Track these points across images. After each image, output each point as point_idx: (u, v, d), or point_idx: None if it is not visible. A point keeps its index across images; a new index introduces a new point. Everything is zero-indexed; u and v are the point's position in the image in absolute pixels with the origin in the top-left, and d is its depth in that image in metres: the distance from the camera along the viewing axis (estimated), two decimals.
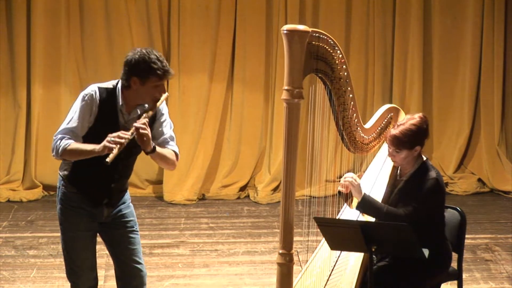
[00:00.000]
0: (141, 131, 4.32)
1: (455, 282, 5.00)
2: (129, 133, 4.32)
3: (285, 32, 4.41)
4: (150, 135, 4.37)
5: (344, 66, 4.52)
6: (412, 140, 4.72)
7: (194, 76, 8.58)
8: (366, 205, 4.69)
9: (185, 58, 8.55)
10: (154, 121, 4.56)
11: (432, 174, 4.74)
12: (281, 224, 4.53)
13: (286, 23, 8.08)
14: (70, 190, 4.57)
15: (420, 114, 4.81)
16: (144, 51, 4.42)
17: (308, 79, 4.55)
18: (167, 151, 4.55)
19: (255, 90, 8.68)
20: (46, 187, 8.58)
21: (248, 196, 8.63)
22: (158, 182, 8.66)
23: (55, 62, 8.48)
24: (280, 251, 4.54)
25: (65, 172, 4.58)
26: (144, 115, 4.41)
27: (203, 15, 8.53)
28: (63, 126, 4.47)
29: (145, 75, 4.40)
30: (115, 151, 4.25)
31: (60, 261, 6.68)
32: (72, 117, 4.47)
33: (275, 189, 8.55)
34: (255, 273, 6.53)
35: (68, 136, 4.43)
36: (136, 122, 4.36)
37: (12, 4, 8.37)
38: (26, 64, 8.44)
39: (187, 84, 8.59)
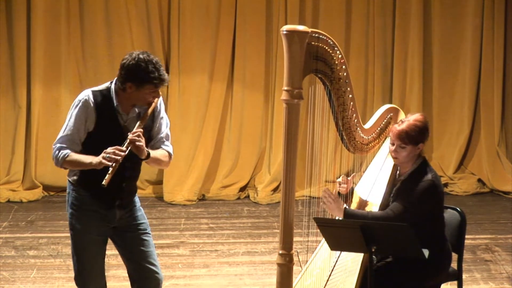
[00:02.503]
0: (136, 143, 4.36)
1: (455, 282, 5.00)
2: (124, 148, 4.34)
3: (284, 32, 4.40)
4: (144, 145, 4.41)
5: (343, 67, 4.52)
6: (418, 135, 4.73)
7: (194, 76, 8.59)
8: (351, 218, 4.68)
9: (185, 58, 8.55)
10: (152, 120, 4.58)
11: (428, 176, 4.73)
12: (281, 224, 4.53)
13: (286, 23, 8.11)
14: (82, 193, 4.57)
15: (421, 113, 4.84)
16: (141, 57, 4.41)
17: (308, 79, 4.55)
18: (161, 153, 4.58)
19: (255, 90, 8.69)
20: (46, 188, 8.59)
21: (248, 197, 8.64)
22: (158, 182, 8.67)
23: (55, 62, 8.49)
24: (280, 252, 4.53)
25: (74, 177, 4.58)
26: (138, 123, 4.43)
27: (203, 15, 8.53)
28: (60, 134, 4.49)
29: (140, 82, 4.41)
30: (110, 172, 4.29)
31: (60, 261, 6.69)
32: (67, 124, 4.49)
33: (275, 190, 8.56)
34: (255, 274, 6.53)
35: (66, 145, 4.45)
36: (130, 132, 4.38)
37: (12, 4, 8.38)
38: (26, 64, 8.45)
39: (187, 84, 8.59)
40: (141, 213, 4.71)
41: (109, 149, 4.32)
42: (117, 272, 6.18)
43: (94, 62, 8.51)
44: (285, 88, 4.43)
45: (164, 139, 4.63)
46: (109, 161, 4.30)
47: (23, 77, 8.45)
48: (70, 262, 6.57)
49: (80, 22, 8.47)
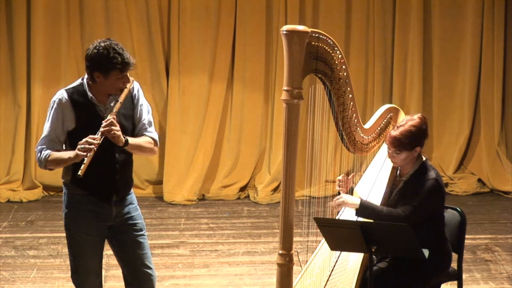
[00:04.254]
0: (109, 134, 4.36)
1: (455, 282, 5.00)
2: (98, 136, 4.35)
3: (284, 32, 4.40)
4: (119, 132, 4.39)
5: (343, 67, 4.52)
6: (412, 141, 4.72)
7: (194, 76, 8.58)
8: (365, 210, 4.68)
9: (185, 58, 8.55)
10: (132, 108, 4.57)
11: (432, 174, 4.74)
12: (281, 224, 4.53)
13: (286, 23, 8.10)
14: (77, 193, 4.56)
15: (419, 115, 4.81)
16: (102, 44, 4.45)
17: (308, 79, 4.55)
18: (143, 140, 4.57)
19: (255, 90, 8.68)
20: (46, 188, 8.58)
21: (248, 197, 8.63)
22: (158, 182, 8.66)
23: (55, 62, 8.48)
24: (280, 252, 4.53)
25: (68, 177, 4.58)
26: (110, 111, 4.43)
27: (203, 15, 8.53)
28: (41, 136, 4.52)
29: (106, 70, 4.43)
30: (85, 161, 4.31)
31: (60, 261, 6.69)
32: (45, 126, 4.52)
33: (275, 190, 8.55)
34: (255, 274, 6.53)
35: (46, 146, 4.48)
36: (103, 121, 4.39)
37: (12, 4, 8.38)
38: (26, 64, 8.45)
39: (187, 84, 8.59)
40: (138, 212, 4.70)
41: (83, 140, 4.35)
42: (117, 272, 6.17)
43: None
44: (285, 88, 4.43)
45: (147, 126, 4.61)
46: (83, 151, 4.31)
47: (23, 77, 8.45)
48: None
49: (80, 22, 8.47)
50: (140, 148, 4.55)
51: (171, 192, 8.47)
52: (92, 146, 4.31)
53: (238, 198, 8.61)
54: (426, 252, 4.48)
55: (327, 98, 4.60)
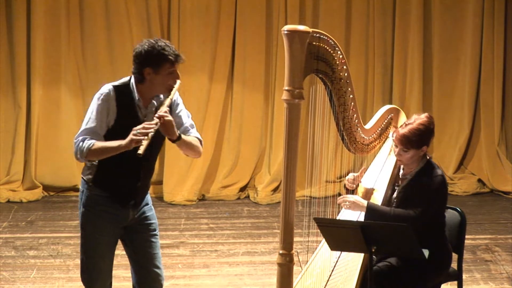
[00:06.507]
0: (165, 118, 4.29)
1: (455, 282, 5.00)
2: (154, 123, 4.27)
3: (285, 32, 4.40)
4: (174, 122, 4.34)
5: (344, 67, 4.52)
6: (420, 140, 4.72)
7: (194, 76, 8.58)
8: (373, 213, 4.68)
9: (185, 58, 8.53)
10: (171, 112, 4.50)
11: (438, 171, 4.74)
12: (281, 224, 4.53)
13: (286, 23, 8.10)
14: (96, 193, 4.52)
15: (427, 114, 4.81)
16: (151, 40, 4.43)
17: (309, 79, 4.55)
18: (192, 138, 4.54)
19: (255, 90, 8.69)
20: (46, 188, 8.58)
21: (248, 197, 8.63)
22: (158, 182, 8.66)
23: (55, 62, 8.48)
24: (280, 252, 4.53)
25: (90, 176, 4.52)
26: (162, 106, 4.36)
27: (203, 15, 8.54)
28: (83, 127, 4.41)
29: (157, 63, 4.39)
30: (144, 143, 4.19)
31: (60, 261, 6.68)
32: (89, 117, 4.42)
33: (275, 190, 8.55)
34: (255, 274, 6.53)
35: (89, 137, 4.37)
36: (155, 113, 4.33)
37: (12, 4, 8.38)
38: (26, 64, 8.45)
39: (187, 84, 8.57)
40: (152, 213, 4.69)
41: (139, 126, 4.26)
42: (117, 272, 6.16)
43: (94, 62, 8.51)
44: (286, 88, 4.43)
45: (189, 127, 4.58)
46: (140, 135, 4.21)
47: (23, 77, 8.45)
48: (70, 262, 6.59)
49: (80, 22, 8.47)
50: (191, 146, 4.51)
51: (171, 192, 8.47)
52: (149, 130, 4.22)
53: (238, 198, 8.61)
54: (426, 252, 4.48)
55: (327, 98, 4.60)
